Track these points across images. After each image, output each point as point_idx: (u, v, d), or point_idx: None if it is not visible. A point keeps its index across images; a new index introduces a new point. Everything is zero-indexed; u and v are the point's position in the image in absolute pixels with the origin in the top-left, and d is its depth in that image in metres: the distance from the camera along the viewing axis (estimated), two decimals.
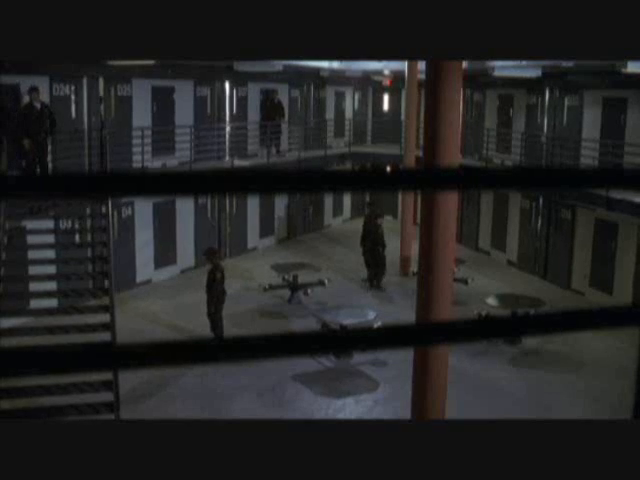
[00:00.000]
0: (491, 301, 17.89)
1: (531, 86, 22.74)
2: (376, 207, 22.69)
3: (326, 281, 19.59)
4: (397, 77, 28.28)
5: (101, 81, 19.43)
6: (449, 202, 8.94)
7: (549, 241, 22.17)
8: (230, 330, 16.34)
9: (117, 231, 19.84)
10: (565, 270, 21.25)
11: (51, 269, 15.01)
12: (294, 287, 19.50)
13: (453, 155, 8.75)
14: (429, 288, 9.08)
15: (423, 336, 1.19)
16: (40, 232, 16.33)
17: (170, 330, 16.90)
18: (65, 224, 17.25)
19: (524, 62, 19.55)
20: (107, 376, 11.59)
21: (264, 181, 1.09)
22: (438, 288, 9.04)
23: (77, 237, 17.23)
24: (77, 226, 17.07)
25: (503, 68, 21.43)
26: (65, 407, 11.41)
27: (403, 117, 25.41)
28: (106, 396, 11.51)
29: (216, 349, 1.07)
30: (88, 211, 16.85)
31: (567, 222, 21.16)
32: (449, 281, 9.39)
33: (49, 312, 12.97)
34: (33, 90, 16.27)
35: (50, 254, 15.94)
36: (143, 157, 19.47)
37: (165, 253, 21.46)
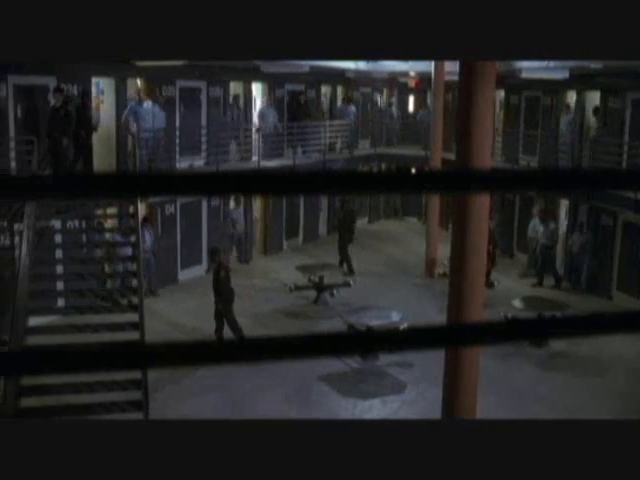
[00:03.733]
0: (517, 304, 17.87)
1: (560, 88, 22.62)
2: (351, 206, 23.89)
3: (351, 282, 19.61)
4: (423, 78, 28.32)
5: (132, 82, 19.72)
6: (481, 205, 8.92)
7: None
8: (256, 330, 16.40)
9: (160, 228, 20.03)
10: (598, 276, 20.95)
11: (80, 268, 15.15)
12: (320, 288, 19.54)
13: (485, 157, 8.74)
14: (461, 291, 9.07)
15: (451, 338, 1.19)
16: (69, 231, 16.54)
17: (193, 331, 16.92)
18: (93, 224, 17.40)
19: (552, 64, 19.44)
20: (135, 375, 11.68)
21: (292, 181, 1.11)
22: (470, 291, 9.02)
23: (108, 236, 17.34)
24: (107, 225, 17.20)
25: (531, 70, 21.31)
26: (93, 405, 11.53)
27: (430, 118, 25.31)
28: (134, 395, 11.61)
29: (243, 349, 1.08)
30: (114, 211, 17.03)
31: (609, 227, 20.80)
32: (481, 284, 9.37)
33: (79, 311, 13.13)
34: (54, 91, 16.63)
35: (80, 253, 16.14)
36: (170, 157, 19.69)
37: (191, 253, 21.55)
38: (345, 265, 22.39)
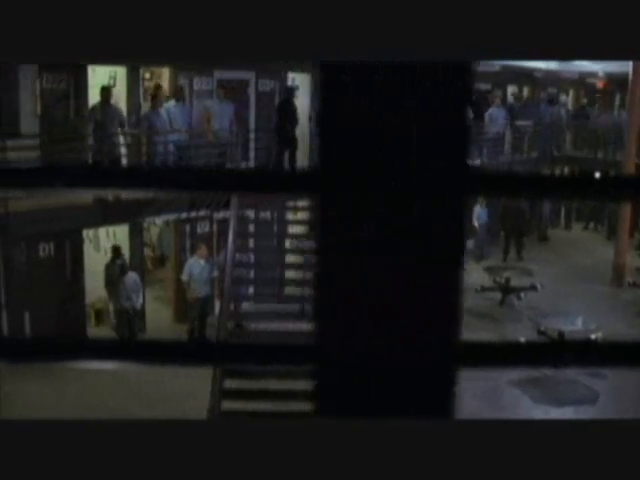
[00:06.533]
0: None
1: None
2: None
3: (539, 286, 19.17)
4: (611, 80, 27.54)
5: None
6: None
7: None
8: None
9: None
10: None
11: (277, 258, 15.57)
12: (506, 290, 19.24)
13: None
14: None
15: None
16: (261, 222, 17.02)
17: None
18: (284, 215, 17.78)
19: None
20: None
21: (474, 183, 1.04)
22: None
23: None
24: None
25: None
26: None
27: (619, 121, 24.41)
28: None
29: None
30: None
31: None
32: None
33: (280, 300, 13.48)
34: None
35: (272, 243, 16.60)
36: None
37: None
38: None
